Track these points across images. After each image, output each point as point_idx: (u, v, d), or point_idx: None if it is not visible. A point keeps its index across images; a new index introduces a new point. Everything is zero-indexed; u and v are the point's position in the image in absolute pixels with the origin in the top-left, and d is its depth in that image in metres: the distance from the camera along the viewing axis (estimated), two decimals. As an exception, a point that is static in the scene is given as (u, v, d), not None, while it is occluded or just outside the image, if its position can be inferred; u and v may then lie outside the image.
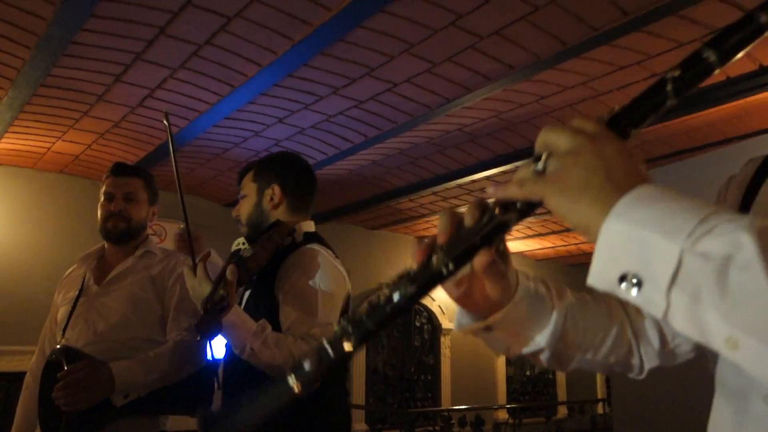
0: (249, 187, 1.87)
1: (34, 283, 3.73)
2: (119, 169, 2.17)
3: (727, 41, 0.51)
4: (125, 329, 2.00)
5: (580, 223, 0.50)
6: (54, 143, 3.59)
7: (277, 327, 1.64)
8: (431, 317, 6.29)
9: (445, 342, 6.27)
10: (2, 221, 3.91)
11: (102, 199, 2.13)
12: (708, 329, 0.44)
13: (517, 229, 5.69)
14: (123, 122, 3.28)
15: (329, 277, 1.78)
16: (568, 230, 5.72)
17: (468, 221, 0.58)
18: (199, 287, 1.60)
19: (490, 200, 0.56)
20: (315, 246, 1.79)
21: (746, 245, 0.42)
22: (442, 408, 5.93)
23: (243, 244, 1.68)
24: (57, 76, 2.75)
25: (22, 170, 4.00)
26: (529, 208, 0.54)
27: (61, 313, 2.11)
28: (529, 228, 5.65)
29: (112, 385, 1.82)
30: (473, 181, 4.19)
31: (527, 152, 3.66)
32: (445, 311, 6.31)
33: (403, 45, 2.50)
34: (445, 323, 6.27)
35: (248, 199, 1.85)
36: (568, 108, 3.04)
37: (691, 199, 0.47)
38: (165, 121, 1.71)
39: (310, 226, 1.92)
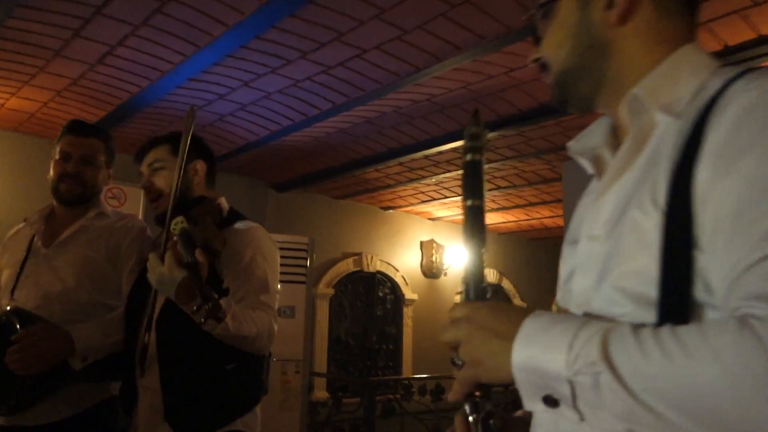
0: (169, 161, 1.87)
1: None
2: (77, 128, 2.08)
3: None
4: (76, 292, 1.95)
5: (507, 378, 0.65)
6: (8, 100, 3.45)
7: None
8: (395, 288, 6.34)
9: (407, 312, 6.34)
10: (-48, 179, 3.77)
11: (57, 157, 2.04)
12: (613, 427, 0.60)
13: (482, 203, 5.72)
14: (81, 80, 3.17)
15: (273, 252, 1.90)
16: (532, 204, 5.79)
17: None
18: (169, 274, 1.58)
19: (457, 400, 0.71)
20: (253, 224, 1.89)
21: (603, 372, 0.57)
22: (403, 377, 6.02)
23: (182, 222, 1.64)
24: (11, 28, 2.63)
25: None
26: (487, 391, 0.70)
27: (7, 275, 2.03)
28: (493, 201, 5.69)
29: (71, 347, 1.78)
30: (440, 153, 4.19)
31: (496, 125, 3.67)
32: (408, 282, 6.35)
33: (374, 10, 2.46)
34: (408, 294, 6.33)
35: (169, 172, 1.85)
36: (536, 81, 3.05)
37: (562, 322, 0.62)
38: (190, 116, 1.68)
39: (224, 202, 1.98)
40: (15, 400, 1.78)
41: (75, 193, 2.02)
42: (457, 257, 6.65)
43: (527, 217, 6.41)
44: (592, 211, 0.75)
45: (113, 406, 2.00)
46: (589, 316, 0.67)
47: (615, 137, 0.79)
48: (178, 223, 1.65)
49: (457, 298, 5.53)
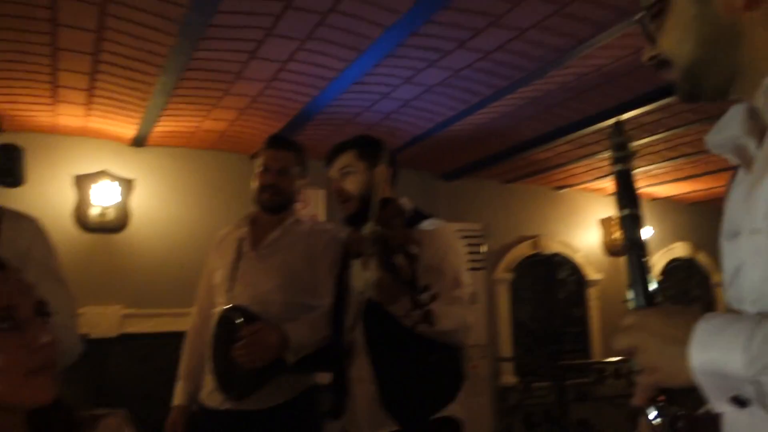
0: (357, 166, 2.01)
1: (191, 251, 4.08)
2: (274, 143, 2.36)
3: None
4: (279, 293, 2.19)
5: (687, 381, 0.65)
6: (202, 122, 3.86)
7: None
8: (575, 269, 6.09)
9: (592, 293, 6.06)
10: (163, 197, 4.31)
11: (259, 170, 2.32)
12: None
13: (666, 172, 5.30)
14: (260, 97, 3.45)
15: (460, 247, 2.04)
16: (723, 170, 5.22)
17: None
18: (374, 280, 1.70)
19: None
20: (438, 223, 1.99)
21: None
22: (594, 360, 5.77)
23: (372, 226, 1.73)
24: (199, 59, 2.93)
25: (177, 149, 4.36)
26: (671, 395, 0.71)
27: (221, 275, 2.33)
28: (679, 170, 5.24)
29: (286, 344, 2.00)
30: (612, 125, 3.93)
31: (671, 89, 3.35)
32: (589, 262, 6.07)
33: (528, -12, 2.38)
34: (591, 274, 6.05)
35: (358, 176, 2.00)
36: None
37: (735, 323, 0.62)
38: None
39: (407, 201, 2.04)
40: (239, 389, 2.05)
41: (274, 202, 2.29)
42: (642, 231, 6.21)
43: (718, 184, 5.79)
44: (749, 203, 0.71)
45: (316, 394, 2.23)
46: (764, 314, 0.65)
47: (755, 124, 0.74)
48: (370, 227, 1.75)
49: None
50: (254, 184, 2.31)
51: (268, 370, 2.03)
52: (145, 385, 4.01)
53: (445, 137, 4.25)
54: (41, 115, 3.69)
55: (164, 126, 3.89)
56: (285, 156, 2.29)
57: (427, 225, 1.97)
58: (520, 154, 4.64)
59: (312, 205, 4.57)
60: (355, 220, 1.98)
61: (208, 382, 2.21)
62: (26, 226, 1.70)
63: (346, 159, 2.04)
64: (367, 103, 3.60)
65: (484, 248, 4.92)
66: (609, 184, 5.81)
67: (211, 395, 2.19)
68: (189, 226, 4.27)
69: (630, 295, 0.77)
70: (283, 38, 2.76)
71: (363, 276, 1.78)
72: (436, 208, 5.06)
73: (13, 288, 1.00)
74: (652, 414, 0.70)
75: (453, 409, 1.92)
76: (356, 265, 1.88)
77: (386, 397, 1.89)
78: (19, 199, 3.80)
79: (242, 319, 2.01)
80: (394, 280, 1.63)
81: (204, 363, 2.25)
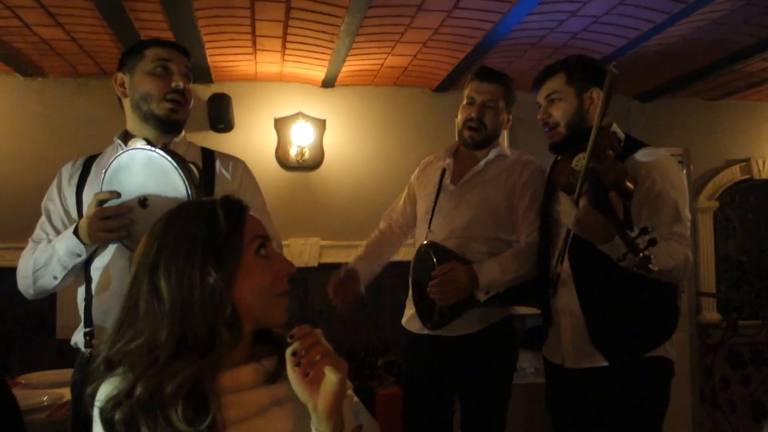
0: (566, 91, 1.92)
1: (380, 185, 4.26)
2: (482, 74, 2.34)
3: None
4: (476, 227, 2.23)
5: None
6: (385, 58, 3.94)
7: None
8: (796, 194, 5.36)
9: (816, 223, 5.32)
10: (352, 134, 4.51)
11: (464, 102, 2.33)
12: None
13: None
14: (441, 27, 3.42)
15: (681, 178, 1.84)
16: None
17: None
18: (585, 219, 1.64)
19: None
20: (656, 152, 1.84)
21: None
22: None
23: (583, 159, 1.66)
24: (381, -5, 2.97)
25: (363, 88, 4.51)
26: None
27: (422, 205, 2.41)
28: None
29: (476, 284, 2.06)
30: None
31: None
32: (815, 187, 5.30)
33: None
34: (817, 200, 5.29)
35: (566, 103, 1.91)
36: None
37: None
38: (609, 76, 1.61)
39: (618, 128, 1.93)
40: (435, 320, 2.16)
41: (475, 139, 2.28)
42: None
43: None
44: None
45: (512, 323, 2.27)
46: None
47: None
48: (581, 159, 1.68)
49: None
50: (459, 117, 2.32)
51: (461, 305, 2.10)
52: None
53: (640, 54, 3.90)
54: (244, 64, 4.02)
55: (350, 66, 4.04)
56: (490, 88, 2.25)
57: (642, 155, 1.84)
58: (730, 67, 4.12)
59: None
60: (561, 149, 1.92)
61: (409, 308, 2.35)
62: (236, 166, 1.90)
63: (553, 84, 1.95)
64: (553, 24, 3.40)
65: (685, 174, 4.52)
66: (844, 95, 4.96)
67: (410, 321, 2.34)
68: (377, 161, 4.45)
69: None
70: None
71: (572, 213, 1.68)
72: (629, 132, 4.71)
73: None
74: None
75: (664, 349, 1.85)
76: (565, 201, 1.76)
77: (595, 331, 1.84)
78: (229, 142, 4.22)
79: (435, 259, 2.09)
80: (607, 219, 1.55)
81: (375, 260, 2.47)
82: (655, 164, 1.80)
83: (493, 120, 2.24)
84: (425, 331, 2.26)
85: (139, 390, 0.98)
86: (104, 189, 1.59)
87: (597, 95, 1.87)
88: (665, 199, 1.76)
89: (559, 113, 1.92)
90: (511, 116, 2.32)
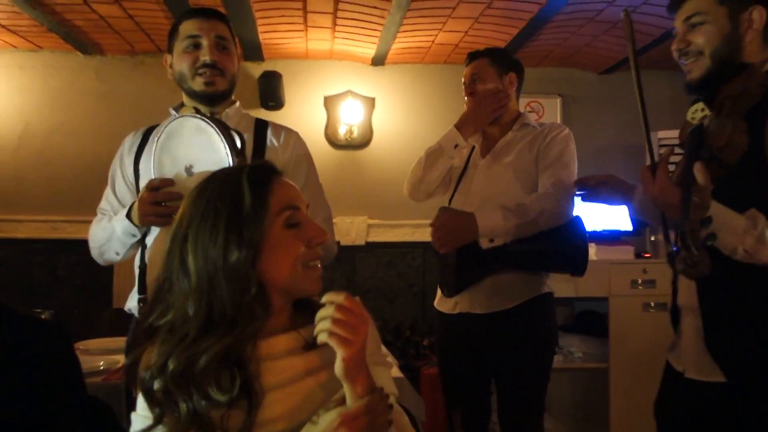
0: (714, 11, 1.43)
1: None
2: (467, 59, 2.45)
3: None
4: (507, 194, 2.25)
5: None
6: (436, 35, 3.89)
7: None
8: None
9: None
10: (401, 113, 4.49)
11: None
12: None
13: None
14: (494, 2, 3.34)
15: None
16: None
17: None
18: (660, 196, 1.31)
19: None
20: None
21: None
22: None
23: (702, 110, 1.34)
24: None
25: (413, 66, 4.48)
26: None
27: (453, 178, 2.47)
28: None
29: (475, 228, 2.09)
30: None
31: None
32: None
33: None
34: None
35: (713, 26, 1.43)
36: None
37: None
38: (626, 19, 1.48)
39: None
40: (452, 279, 2.21)
41: None
42: None
43: None
44: None
45: (548, 301, 2.25)
46: None
47: None
48: (697, 111, 1.37)
49: None
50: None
51: (471, 262, 2.13)
52: (388, 288, 4.38)
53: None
54: (294, 41, 4.03)
55: (401, 43, 4.00)
56: (474, 66, 2.38)
57: None
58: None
59: (546, 114, 4.41)
60: (700, 87, 1.46)
61: (439, 291, 2.38)
62: (288, 137, 1.91)
63: (697, 3, 1.47)
64: (611, -2, 3.28)
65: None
66: None
67: (441, 301, 2.37)
68: (426, 140, 4.32)
69: None
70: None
71: (650, 189, 1.32)
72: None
73: (293, 192, 1.13)
74: None
75: None
76: (644, 173, 1.33)
77: (709, 331, 1.43)
78: (279, 120, 4.22)
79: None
80: (683, 197, 1.20)
81: None
82: None
83: (484, 89, 2.34)
84: (457, 310, 2.28)
85: (171, 366, 0.99)
86: (156, 155, 1.63)
87: (760, 16, 1.39)
88: None
89: (702, 39, 1.44)
90: (514, 75, 2.38)
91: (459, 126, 2.32)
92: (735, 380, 1.38)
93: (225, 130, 1.57)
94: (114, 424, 1.39)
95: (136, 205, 1.65)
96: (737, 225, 1.24)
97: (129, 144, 1.88)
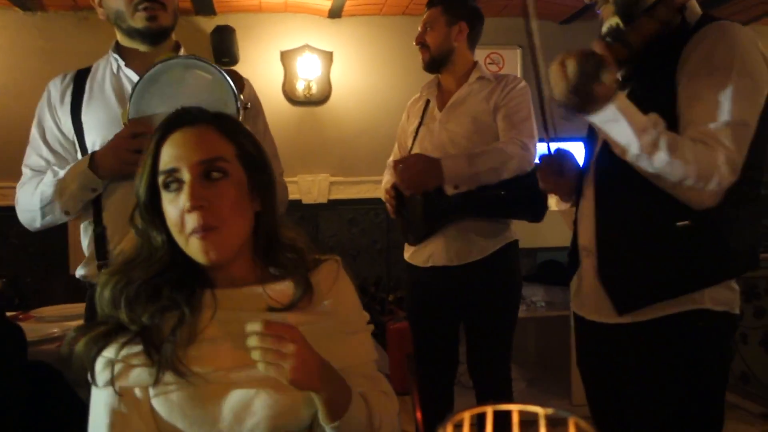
0: None
1: (389, 119, 4.14)
2: (426, 6, 2.36)
3: None
4: (466, 143, 2.24)
5: None
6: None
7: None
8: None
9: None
10: (360, 67, 4.40)
11: None
12: None
13: None
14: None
15: (753, 62, 1.26)
16: None
17: None
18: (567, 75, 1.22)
19: None
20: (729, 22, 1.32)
21: None
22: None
23: (617, 24, 1.34)
24: None
25: (371, 18, 4.37)
26: None
27: (409, 137, 2.43)
28: None
29: (439, 173, 2.10)
30: None
31: None
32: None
33: None
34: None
35: None
36: None
37: None
38: None
39: (694, 5, 1.40)
40: (415, 232, 2.24)
41: (425, 59, 2.33)
42: None
43: None
44: None
45: (515, 249, 2.28)
46: None
47: None
48: (609, 22, 1.38)
49: None
50: None
51: (434, 209, 2.15)
52: (351, 246, 4.37)
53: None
54: (246, -7, 3.88)
55: (357, -6, 3.89)
56: (428, 14, 2.30)
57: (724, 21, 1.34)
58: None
59: (507, 65, 4.37)
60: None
61: (407, 244, 2.39)
62: (247, 84, 1.82)
63: None
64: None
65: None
66: None
67: (412, 254, 2.36)
68: (385, 94, 4.34)
69: None
70: None
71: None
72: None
73: (182, 151, 1.05)
74: None
75: (714, 299, 1.32)
76: (554, 71, 1.24)
77: (602, 267, 1.43)
78: (235, 76, 4.12)
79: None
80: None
81: None
82: (720, 28, 1.29)
83: (434, 38, 2.27)
84: (430, 263, 2.28)
85: (116, 281, 1.04)
86: (133, 102, 1.49)
87: None
88: (717, 84, 1.24)
89: None
90: (464, 24, 2.29)
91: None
92: (626, 314, 1.38)
93: (227, 73, 1.51)
94: (62, 388, 1.35)
95: (101, 154, 1.54)
96: (639, 120, 1.22)
97: (57, 93, 1.70)
